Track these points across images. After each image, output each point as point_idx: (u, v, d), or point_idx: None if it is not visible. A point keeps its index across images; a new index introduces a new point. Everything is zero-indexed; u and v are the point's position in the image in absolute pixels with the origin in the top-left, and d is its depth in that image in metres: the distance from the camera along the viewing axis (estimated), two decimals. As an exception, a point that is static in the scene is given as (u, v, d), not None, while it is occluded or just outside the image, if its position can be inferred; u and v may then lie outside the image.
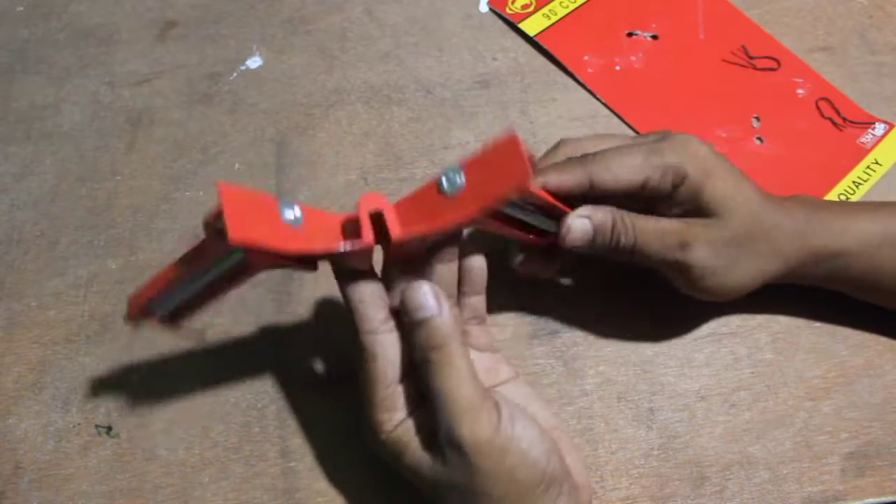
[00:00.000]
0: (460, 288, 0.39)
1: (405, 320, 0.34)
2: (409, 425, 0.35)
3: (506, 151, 0.32)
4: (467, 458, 0.32)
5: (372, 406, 0.35)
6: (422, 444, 0.35)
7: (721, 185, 0.38)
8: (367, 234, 0.33)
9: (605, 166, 0.38)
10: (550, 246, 0.41)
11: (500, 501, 0.33)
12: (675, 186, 0.38)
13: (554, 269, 0.43)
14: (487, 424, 0.32)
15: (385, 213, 0.34)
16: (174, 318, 0.37)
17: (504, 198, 0.32)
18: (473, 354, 0.38)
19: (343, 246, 0.33)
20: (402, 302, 0.34)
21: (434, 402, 0.33)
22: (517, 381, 0.40)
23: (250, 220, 0.30)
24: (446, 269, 0.37)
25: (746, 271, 0.40)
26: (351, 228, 0.34)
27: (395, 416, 0.35)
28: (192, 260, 0.33)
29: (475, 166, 0.33)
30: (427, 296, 0.33)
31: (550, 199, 0.37)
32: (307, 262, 0.36)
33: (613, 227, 0.38)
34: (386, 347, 0.35)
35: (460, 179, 0.33)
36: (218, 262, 0.33)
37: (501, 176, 0.32)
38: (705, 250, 0.39)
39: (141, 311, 0.35)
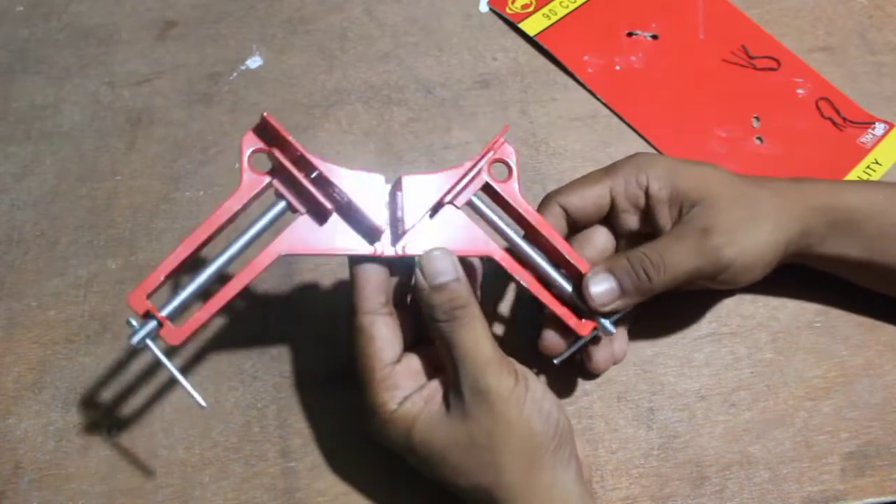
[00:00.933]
0: None
1: (423, 288, 0.35)
2: (416, 399, 0.36)
3: None
4: (492, 405, 0.34)
5: (372, 387, 0.36)
6: (435, 411, 0.36)
7: (691, 171, 0.40)
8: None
9: (568, 191, 0.41)
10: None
11: (518, 455, 0.34)
12: (646, 191, 0.40)
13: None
14: (508, 375, 0.35)
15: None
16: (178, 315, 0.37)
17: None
18: None
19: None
20: (421, 268, 0.35)
21: (456, 359, 0.35)
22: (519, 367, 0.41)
23: None
24: None
25: (765, 230, 0.39)
26: None
27: (397, 393, 0.36)
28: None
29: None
30: (446, 260, 0.35)
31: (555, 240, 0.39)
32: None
33: (631, 264, 0.39)
34: (383, 328, 0.36)
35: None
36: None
37: None
38: (721, 221, 0.39)
39: (141, 303, 0.35)
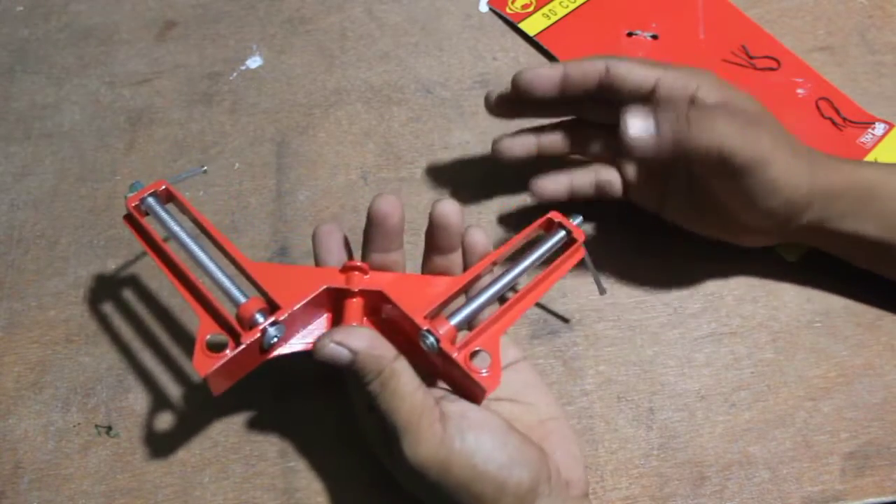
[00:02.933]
0: (433, 245, 0.38)
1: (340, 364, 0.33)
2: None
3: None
4: (414, 473, 0.32)
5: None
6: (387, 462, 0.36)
7: (743, 97, 0.40)
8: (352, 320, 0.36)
9: (621, 59, 0.40)
10: None
11: None
12: (691, 97, 0.39)
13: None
14: (428, 441, 0.32)
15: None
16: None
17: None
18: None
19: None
20: (320, 361, 0.33)
21: (381, 421, 0.33)
22: (521, 365, 0.40)
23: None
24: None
25: (799, 163, 0.38)
26: (335, 297, 0.37)
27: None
28: None
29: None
30: (332, 350, 0.32)
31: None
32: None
33: (676, 106, 0.38)
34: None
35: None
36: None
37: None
38: (765, 129, 0.38)
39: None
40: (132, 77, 0.56)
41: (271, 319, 0.34)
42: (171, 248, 0.37)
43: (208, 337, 0.34)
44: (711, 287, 0.47)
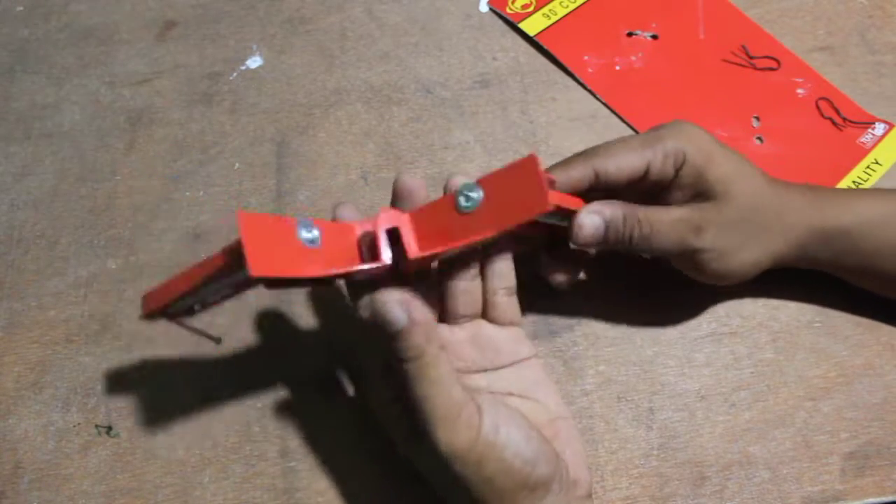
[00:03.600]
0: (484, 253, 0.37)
1: (379, 332, 0.32)
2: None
3: (524, 173, 0.32)
4: (442, 464, 0.32)
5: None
6: (404, 446, 0.35)
7: (723, 164, 0.39)
8: (385, 253, 0.33)
9: (606, 156, 0.39)
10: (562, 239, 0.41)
11: (481, 502, 0.33)
12: (677, 170, 0.39)
13: (578, 273, 0.44)
14: (465, 433, 0.32)
15: (402, 231, 0.34)
16: (185, 313, 0.37)
17: (522, 222, 0.32)
18: (494, 330, 0.38)
19: (360, 267, 0.33)
20: (371, 315, 0.32)
21: (412, 407, 0.32)
22: (532, 362, 0.39)
23: (270, 251, 0.30)
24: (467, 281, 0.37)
25: (755, 251, 0.40)
26: (367, 243, 0.34)
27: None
28: (205, 273, 0.33)
29: (493, 184, 0.33)
30: (394, 308, 0.31)
31: (563, 202, 0.37)
32: (324, 281, 0.35)
33: (625, 220, 0.38)
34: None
35: (477, 196, 0.33)
36: (233, 281, 0.33)
37: (520, 198, 0.32)
38: (716, 232, 0.39)
39: (155, 311, 0.35)
40: (132, 77, 0.56)
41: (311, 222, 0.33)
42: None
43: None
44: (711, 287, 0.47)
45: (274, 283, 0.33)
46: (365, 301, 0.34)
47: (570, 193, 0.39)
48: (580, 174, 0.39)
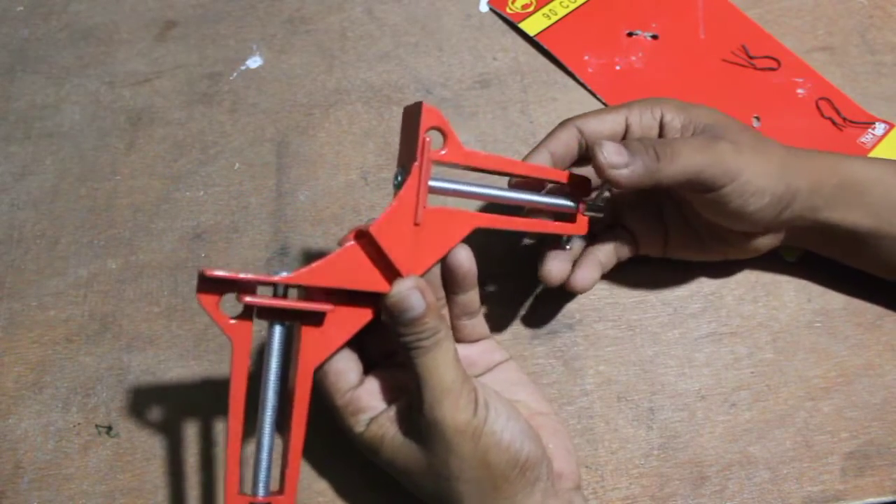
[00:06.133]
0: (448, 288, 0.39)
1: (390, 319, 0.35)
2: (382, 421, 0.36)
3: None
4: (447, 437, 0.34)
5: (337, 413, 0.37)
6: (399, 434, 0.36)
7: (704, 113, 0.41)
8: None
9: (586, 116, 0.41)
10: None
11: (475, 484, 0.34)
12: (661, 127, 0.41)
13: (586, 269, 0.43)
14: (465, 407, 0.34)
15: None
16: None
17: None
18: (465, 347, 0.40)
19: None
20: (389, 301, 0.34)
21: (416, 384, 0.34)
22: (508, 364, 0.41)
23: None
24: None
25: (773, 178, 0.39)
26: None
27: (361, 417, 0.37)
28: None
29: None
30: (412, 296, 0.34)
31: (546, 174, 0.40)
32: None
33: (643, 142, 0.38)
34: (335, 363, 0.36)
35: None
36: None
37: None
38: (732, 148, 0.39)
39: (240, 501, 0.35)
40: (132, 77, 0.56)
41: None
42: None
43: None
44: (711, 287, 0.47)
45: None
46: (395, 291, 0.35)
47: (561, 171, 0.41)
48: (567, 134, 0.41)
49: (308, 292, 0.35)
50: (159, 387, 0.44)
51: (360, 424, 0.36)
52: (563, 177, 0.41)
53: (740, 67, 0.55)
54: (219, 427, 0.43)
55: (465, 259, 0.38)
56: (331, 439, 0.43)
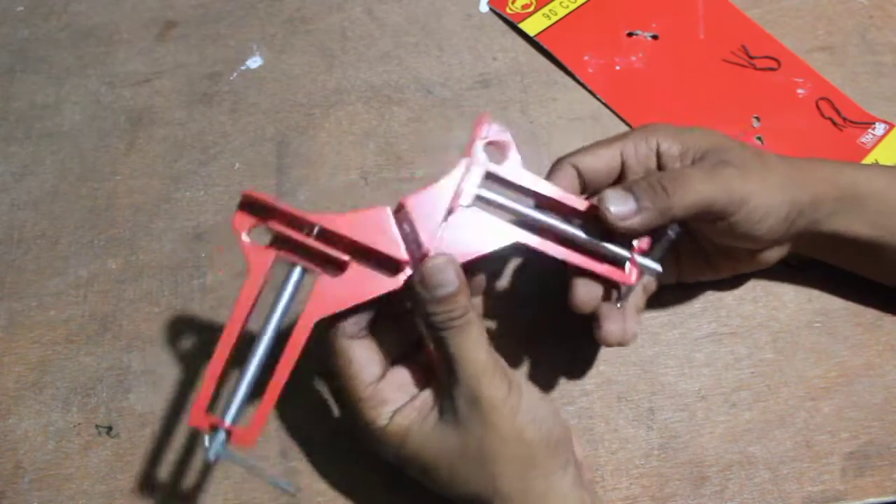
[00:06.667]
0: None
1: (424, 296, 0.34)
2: (406, 412, 0.36)
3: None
4: (484, 414, 0.34)
5: (359, 407, 0.36)
6: (427, 422, 0.35)
7: (701, 137, 0.40)
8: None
9: (581, 152, 0.41)
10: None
11: (513, 463, 0.34)
12: (658, 158, 0.40)
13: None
14: (501, 385, 0.34)
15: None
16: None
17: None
18: None
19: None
20: (423, 277, 0.34)
21: (450, 366, 0.34)
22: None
23: None
24: None
25: (778, 194, 0.39)
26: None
27: (384, 410, 0.36)
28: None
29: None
30: (448, 271, 0.34)
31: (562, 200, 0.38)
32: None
33: (649, 182, 0.37)
34: (360, 350, 0.36)
35: None
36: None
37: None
38: (737, 173, 0.38)
39: (203, 420, 0.34)
40: (132, 77, 0.56)
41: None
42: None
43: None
44: (711, 287, 0.47)
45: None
46: (419, 268, 0.35)
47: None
48: (563, 175, 0.40)
49: (331, 243, 0.35)
50: (159, 387, 0.44)
51: (382, 417, 0.36)
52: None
53: (740, 67, 0.55)
54: (219, 427, 0.43)
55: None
56: (331, 439, 0.43)
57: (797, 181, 0.40)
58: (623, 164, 0.41)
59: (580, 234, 0.38)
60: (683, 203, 0.37)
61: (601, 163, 0.40)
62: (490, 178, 0.37)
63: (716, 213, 0.38)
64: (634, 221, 0.37)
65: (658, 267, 0.38)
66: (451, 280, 0.34)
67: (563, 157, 0.41)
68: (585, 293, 0.39)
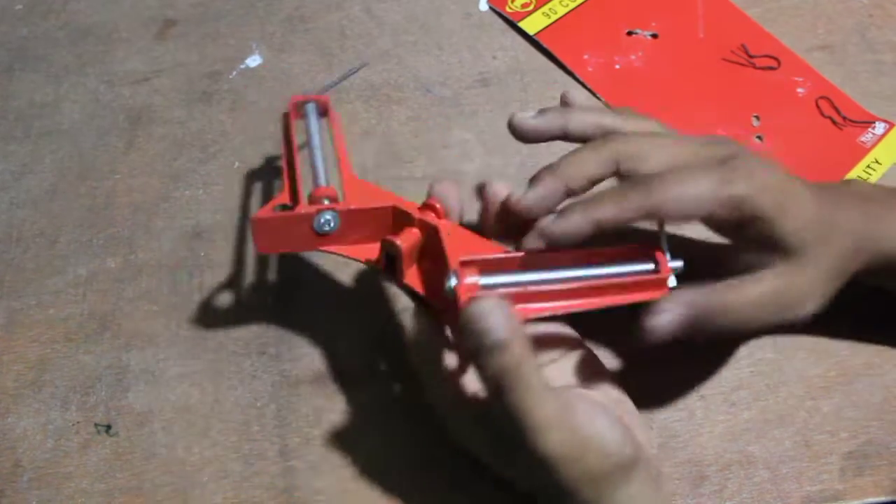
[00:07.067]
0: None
1: (469, 343, 0.31)
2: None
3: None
4: (548, 468, 0.31)
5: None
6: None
7: (795, 217, 0.35)
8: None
9: (666, 196, 0.34)
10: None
11: (584, 486, 0.32)
12: (741, 225, 0.35)
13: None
14: (566, 434, 0.31)
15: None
16: None
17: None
18: (533, 325, 0.37)
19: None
20: (466, 323, 0.30)
21: (507, 417, 0.31)
22: (580, 347, 0.39)
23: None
24: None
25: (833, 279, 0.36)
26: (399, 222, 0.37)
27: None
28: None
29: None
30: (496, 315, 0.30)
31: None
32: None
33: (699, 315, 0.34)
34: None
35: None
36: None
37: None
38: (807, 294, 0.36)
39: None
40: (131, 76, 0.56)
41: (330, 205, 0.36)
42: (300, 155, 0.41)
43: (276, 206, 0.37)
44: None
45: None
46: (464, 307, 0.31)
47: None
48: (636, 212, 0.34)
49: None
50: (158, 386, 0.44)
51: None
52: (631, 254, 0.36)
53: (740, 66, 0.55)
54: (218, 426, 0.43)
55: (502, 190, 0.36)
56: (330, 438, 0.43)
57: (849, 256, 0.36)
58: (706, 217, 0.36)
59: (601, 270, 0.35)
60: (725, 329, 0.34)
61: (680, 218, 0.35)
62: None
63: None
64: (667, 338, 0.34)
65: (680, 263, 0.36)
66: (499, 326, 0.30)
67: (642, 187, 0.35)
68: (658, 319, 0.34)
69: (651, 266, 0.36)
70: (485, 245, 0.37)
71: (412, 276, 0.36)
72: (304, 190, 0.38)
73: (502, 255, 0.36)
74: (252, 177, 0.51)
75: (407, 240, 0.35)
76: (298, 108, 0.43)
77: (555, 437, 0.30)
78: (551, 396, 0.31)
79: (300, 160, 0.40)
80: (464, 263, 0.34)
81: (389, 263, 0.36)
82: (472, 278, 0.33)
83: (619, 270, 0.35)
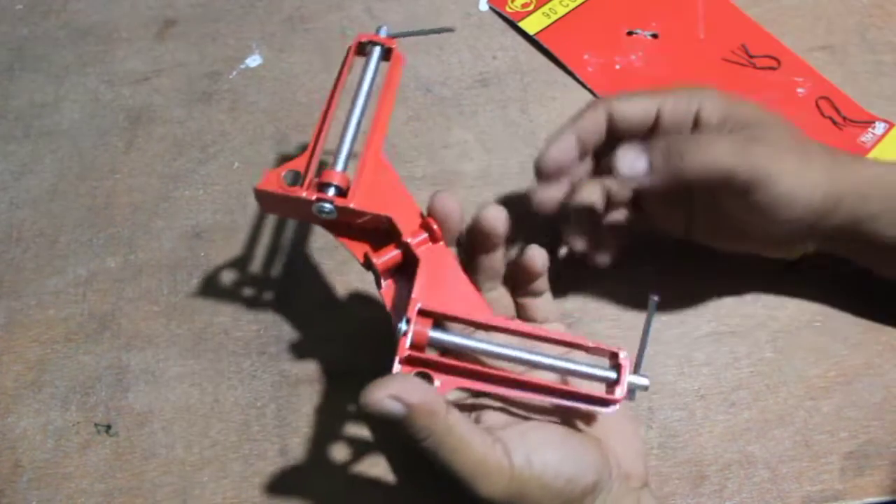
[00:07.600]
0: (475, 248, 0.37)
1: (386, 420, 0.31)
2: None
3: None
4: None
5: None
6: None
7: (746, 104, 0.40)
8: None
9: (618, 98, 0.40)
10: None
11: None
12: (696, 118, 0.39)
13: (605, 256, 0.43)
14: (499, 478, 0.32)
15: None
16: None
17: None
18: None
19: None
20: (367, 408, 0.31)
21: (443, 470, 0.32)
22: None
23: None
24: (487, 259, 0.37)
25: (807, 175, 0.37)
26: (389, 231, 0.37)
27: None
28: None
29: None
30: (386, 404, 0.30)
31: None
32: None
33: (667, 140, 0.37)
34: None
35: None
36: None
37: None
38: (766, 148, 0.37)
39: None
40: (131, 75, 0.56)
41: (330, 197, 0.35)
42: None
43: (286, 172, 0.37)
44: (711, 286, 0.47)
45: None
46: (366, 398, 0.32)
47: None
48: (595, 115, 0.40)
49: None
50: (158, 386, 0.44)
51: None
52: (601, 352, 0.35)
53: (740, 66, 0.55)
54: (218, 426, 0.43)
55: (538, 254, 0.37)
56: (330, 438, 0.43)
57: (837, 174, 0.38)
58: (658, 119, 0.40)
59: (559, 363, 0.34)
60: (695, 168, 0.36)
61: (636, 112, 0.40)
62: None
63: (736, 187, 0.36)
64: (643, 182, 0.37)
65: (646, 381, 0.34)
66: (394, 409, 0.30)
67: (599, 100, 0.41)
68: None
69: (612, 375, 0.34)
70: (461, 283, 0.36)
71: (387, 290, 0.37)
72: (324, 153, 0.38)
73: (459, 316, 0.34)
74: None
75: (386, 262, 0.36)
76: (362, 47, 0.42)
77: (484, 482, 0.31)
78: (475, 445, 0.31)
79: (335, 109, 0.40)
80: (421, 312, 0.34)
81: (369, 268, 0.37)
82: (423, 328, 0.33)
83: (575, 368, 0.34)
